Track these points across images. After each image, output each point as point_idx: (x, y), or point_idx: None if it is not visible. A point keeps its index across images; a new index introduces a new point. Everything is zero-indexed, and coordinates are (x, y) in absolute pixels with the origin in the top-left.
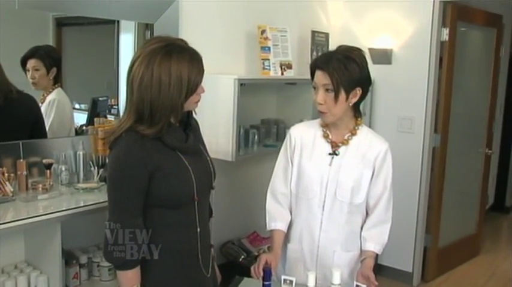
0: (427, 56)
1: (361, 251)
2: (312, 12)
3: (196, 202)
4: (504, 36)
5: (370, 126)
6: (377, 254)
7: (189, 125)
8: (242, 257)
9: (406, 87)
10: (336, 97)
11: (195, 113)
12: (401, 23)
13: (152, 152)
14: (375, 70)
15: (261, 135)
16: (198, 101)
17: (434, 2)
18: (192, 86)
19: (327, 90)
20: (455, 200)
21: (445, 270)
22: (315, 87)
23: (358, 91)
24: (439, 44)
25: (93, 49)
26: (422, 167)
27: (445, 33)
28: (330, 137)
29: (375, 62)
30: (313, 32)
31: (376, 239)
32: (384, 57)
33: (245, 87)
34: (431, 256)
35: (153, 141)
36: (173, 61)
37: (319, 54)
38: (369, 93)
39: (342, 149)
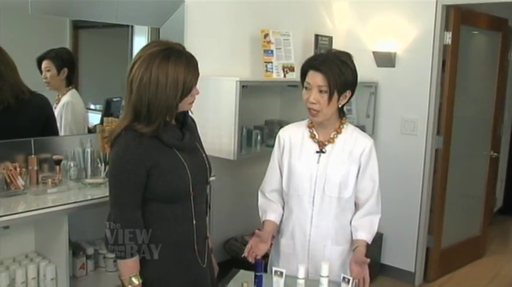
0: (429, 59)
1: (352, 241)
2: (317, 16)
3: (192, 197)
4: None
5: (373, 128)
6: (367, 244)
7: (185, 123)
8: (243, 256)
9: (409, 90)
10: (330, 98)
11: (192, 113)
12: (405, 26)
13: (150, 150)
14: (378, 73)
15: (264, 136)
16: (192, 102)
17: (437, 6)
18: (187, 87)
19: (320, 91)
20: (459, 202)
21: (448, 271)
22: (306, 87)
23: (348, 94)
24: (441, 48)
25: (108, 51)
26: (424, 169)
27: (448, 37)
28: (317, 137)
29: (379, 65)
30: (317, 36)
31: (367, 229)
32: (387, 60)
33: (249, 89)
34: (434, 257)
35: (150, 139)
36: (171, 64)
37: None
38: (373, 96)
39: (328, 147)
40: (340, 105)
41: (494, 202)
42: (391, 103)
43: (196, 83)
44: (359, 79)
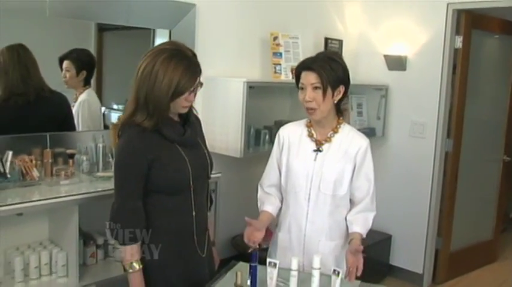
0: (440, 63)
1: (346, 237)
2: (328, 20)
3: (192, 189)
4: None
5: (383, 131)
6: (362, 237)
7: (187, 120)
8: (251, 249)
9: (419, 93)
10: (324, 94)
11: (197, 111)
12: (415, 30)
13: (152, 144)
14: (389, 76)
15: (273, 136)
16: (186, 106)
17: (447, 10)
18: (179, 90)
19: (315, 88)
20: (470, 206)
21: (457, 274)
22: (302, 88)
23: (342, 89)
24: (452, 51)
25: (131, 53)
26: (433, 171)
27: (459, 41)
28: (315, 136)
29: (390, 68)
30: (326, 39)
31: (361, 223)
32: (398, 63)
33: (260, 90)
34: (443, 259)
35: (153, 134)
36: (172, 63)
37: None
38: (384, 99)
39: (325, 146)
40: (335, 101)
41: (510, 208)
42: (402, 106)
43: (190, 90)
44: (370, 82)
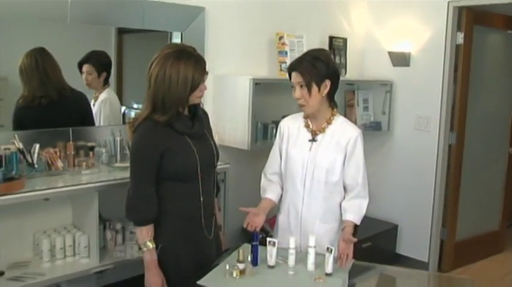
0: (442, 58)
1: (341, 221)
2: (334, 19)
3: (200, 177)
4: None
5: (389, 125)
6: (355, 225)
7: (196, 114)
8: (261, 236)
9: (423, 88)
10: (309, 90)
11: (203, 105)
12: (418, 28)
13: (164, 136)
14: (394, 72)
15: None
16: (201, 96)
17: (448, 7)
18: (195, 84)
19: (301, 86)
20: (476, 197)
21: (463, 263)
22: (292, 87)
23: (328, 83)
24: (454, 48)
25: (150, 54)
26: (437, 163)
27: (461, 37)
28: (311, 126)
29: (394, 64)
30: (331, 38)
31: (355, 211)
32: (402, 60)
33: (268, 87)
34: (448, 249)
35: (164, 127)
36: (182, 63)
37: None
38: (389, 94)
39: (319, 137)
40: (323, 95)
41: None
42: (406, 101)
43: (203, 80)
44: (375, 78)
